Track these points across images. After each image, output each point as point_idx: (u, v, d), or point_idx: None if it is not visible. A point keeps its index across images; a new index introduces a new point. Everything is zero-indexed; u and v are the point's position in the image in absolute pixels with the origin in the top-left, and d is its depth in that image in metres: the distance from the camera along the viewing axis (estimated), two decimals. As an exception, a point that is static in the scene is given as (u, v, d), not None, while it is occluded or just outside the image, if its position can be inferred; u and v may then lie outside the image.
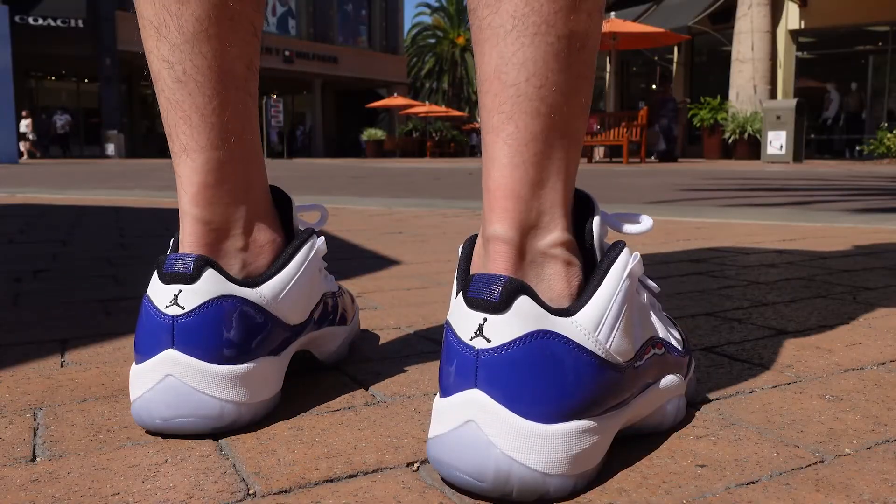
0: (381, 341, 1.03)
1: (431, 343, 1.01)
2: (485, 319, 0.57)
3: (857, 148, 16.39)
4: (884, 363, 0.92)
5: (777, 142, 13.50)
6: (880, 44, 16.77)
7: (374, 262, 1.80)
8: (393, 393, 0.81)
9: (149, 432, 0.70)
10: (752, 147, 15.14)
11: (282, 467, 0.62)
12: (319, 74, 30.72)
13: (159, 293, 0.69)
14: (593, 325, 0.59)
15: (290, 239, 0.82)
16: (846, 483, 0.59)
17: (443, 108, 31.31)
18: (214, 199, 0.74)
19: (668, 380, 0.70)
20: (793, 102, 13.58)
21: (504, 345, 0.56)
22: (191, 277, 0.69)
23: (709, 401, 0.78)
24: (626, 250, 0.65)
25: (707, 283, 1.46)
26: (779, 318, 1.16)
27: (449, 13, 48.39)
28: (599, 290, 0.61)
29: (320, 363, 0.89)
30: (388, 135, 30.15)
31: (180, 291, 0.69)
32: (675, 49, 19.27)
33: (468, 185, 6.41)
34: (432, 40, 49.23)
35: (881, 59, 16.85)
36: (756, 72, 15.95)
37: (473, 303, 0.57)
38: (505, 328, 0.56)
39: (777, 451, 0.65)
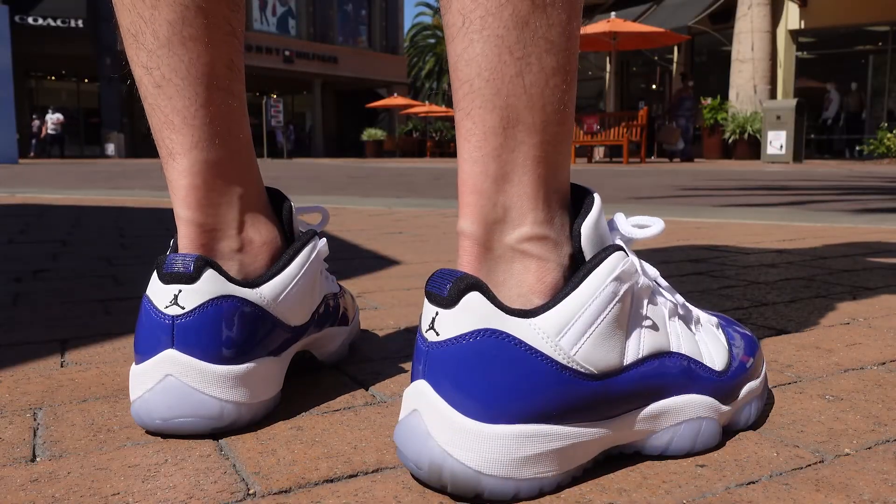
0: (382, 341, 1.03)
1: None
2: (437, 313, 0.57)
3: (857, 148, 16.40)
4: (884, 363, 0.92)
5: (777, 142, 13.51)
6: (880, 44, 16.78)
7: (374, 262, 1.80)
8: (393, 393, 0.81)
9: (149, 432, 0.70)
10: (752, 147, 15.15)
11: (282, 467, 0.62)
12: (319, 74, 30.73)
13: (159, 293, 0.69)
14: (556, 330, 0.58)
15: (291, 240, 0.82)
16: (846, 483, 0.59)
17: (443, 108, 31.28)
18: (205, 201, 0.75)
19: (684, 399, 0.65)
20: (793, 102, 13.59)
21: (449, 339, 0.56)
22: (191, 277, 0.69)
23: (709, 401, 0.78)
24: (617, 254, 0.61)
25: (707, 283, 1.46)
26: (779, 318, 1.16)
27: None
28: (574, 293, 0.59)
29: (320, 363, 0.89)
30: (388, 135, 30.17)
31: (180, 291, 0.68)
32: (676, 49, 19.28)
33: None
34: (432, 40, 49.23)
35: (881, 59, 16.85)
36: (756, 72, 15.96)
37: (430, 296, 0.58)
38: (452, 323, 0.56)
39: (777, 451, 0.65)
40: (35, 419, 0.74)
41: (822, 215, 3.04)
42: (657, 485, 0.59)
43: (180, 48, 0.72)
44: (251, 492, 0.58)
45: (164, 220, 2.82)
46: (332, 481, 0.60)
